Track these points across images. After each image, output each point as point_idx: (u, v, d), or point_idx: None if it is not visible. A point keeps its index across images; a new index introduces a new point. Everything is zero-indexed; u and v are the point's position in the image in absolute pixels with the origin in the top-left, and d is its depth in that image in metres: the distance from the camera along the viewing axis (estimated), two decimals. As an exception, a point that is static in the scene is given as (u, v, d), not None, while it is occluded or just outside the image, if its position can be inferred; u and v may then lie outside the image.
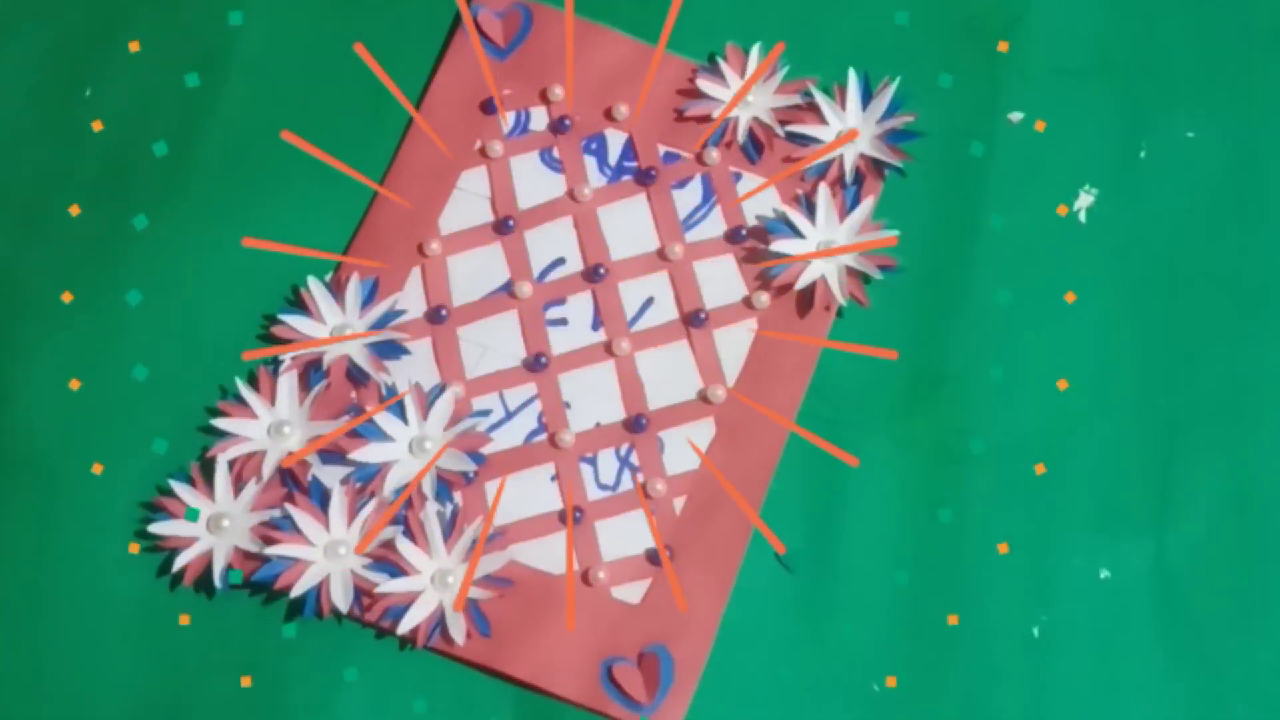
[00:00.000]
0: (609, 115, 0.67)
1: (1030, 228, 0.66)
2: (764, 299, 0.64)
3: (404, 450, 0.61)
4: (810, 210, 0.64)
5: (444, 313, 0.64)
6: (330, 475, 0.61)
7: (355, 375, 0.62)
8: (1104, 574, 0.61)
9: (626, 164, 0.66)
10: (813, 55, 0.67)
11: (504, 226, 0.65)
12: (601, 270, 0.64)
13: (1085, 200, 0.67)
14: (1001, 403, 0.64)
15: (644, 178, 0.66)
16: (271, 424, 0.61)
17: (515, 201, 0.66)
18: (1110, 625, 0.61)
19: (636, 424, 0.62)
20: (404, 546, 0.59)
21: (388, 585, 0.58)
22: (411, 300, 0.64)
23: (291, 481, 0.61)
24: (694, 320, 0.64)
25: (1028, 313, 0.65)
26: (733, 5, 0.69)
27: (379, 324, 0.63)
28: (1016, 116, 0.68)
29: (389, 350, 0.63)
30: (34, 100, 0.68)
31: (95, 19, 0.68)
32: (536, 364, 0.63)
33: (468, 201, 0.66)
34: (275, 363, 0.63)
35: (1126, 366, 0.64)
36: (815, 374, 0.63)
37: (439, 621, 0.59)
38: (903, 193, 0.66)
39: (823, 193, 0.64)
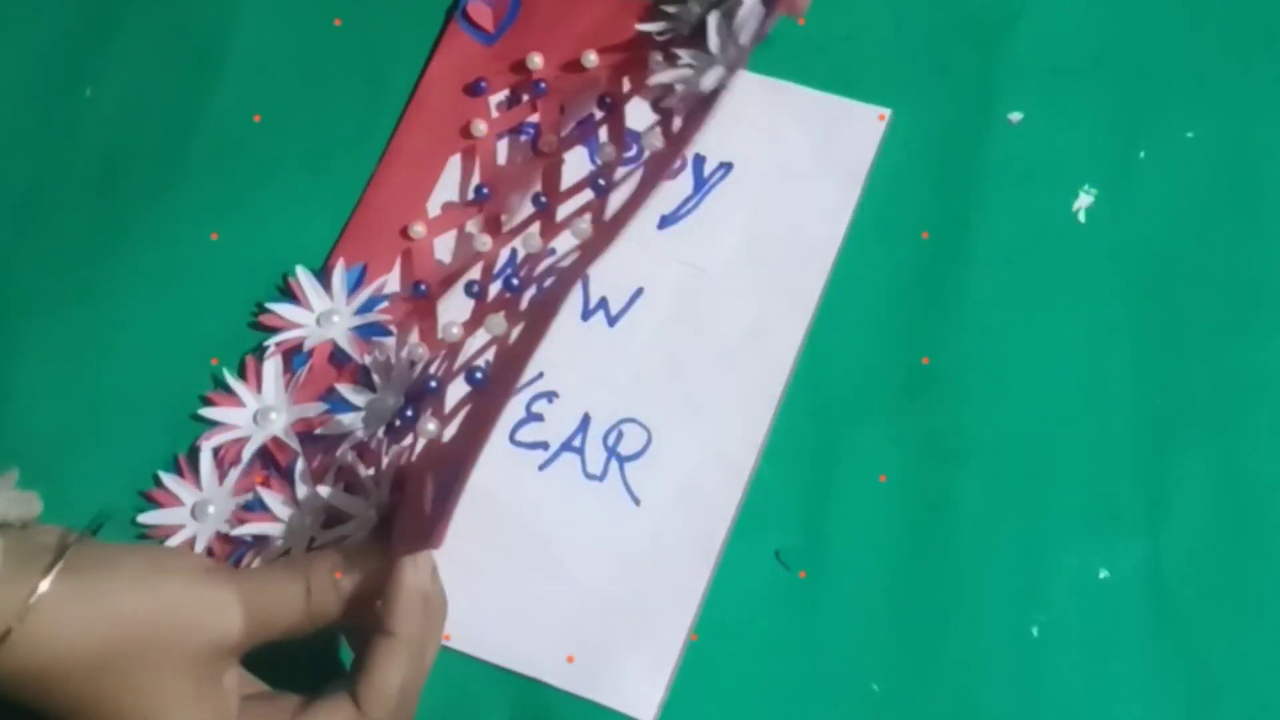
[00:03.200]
0: (578, 66, 0.66)
1: (1029, 227, 0.66)
2: None
3: (359, 419, 0.62)
4: None
5: (422, 288, 0.64)
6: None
7: (339, 358, 0.63)
8: (1102, 574, 0.61)
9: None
10: (809, 54, 0.68)
11: (478, 194, 0.65)
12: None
13: (1084, 200, 0.66)
14: (997, 401, 0.63)
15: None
16: (258, 410, 0.62)
17: (496, 173, 0.66)
18: (1104, 625, 0.60)
19: None
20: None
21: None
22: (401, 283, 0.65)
23: (272, 465, 0.61)
24: None
25: (1025, 312, 0.64)
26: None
27: (365, 308, 0.63)
28: (1016, 117, 0.68)
29: (372, 333, 0.63)
30: (33, 99, 0.68)
31: (94, 18, 0.69)
32: None
33: (455, 183, 0.66)
34: (263, 350, 0.63)
35: (1123, 366, 0.64)
36: (808, 369, 0.63)
37: None
38: (901, 191, 0.66)
39: None
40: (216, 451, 0.61)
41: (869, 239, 0.66)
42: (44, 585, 0.49)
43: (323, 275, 0.64)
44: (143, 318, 0.65)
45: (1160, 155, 0.67)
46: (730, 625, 0.60)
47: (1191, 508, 0.62)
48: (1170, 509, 0.62)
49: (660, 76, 0.65)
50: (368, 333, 0.63)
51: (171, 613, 0.51)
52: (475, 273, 0.64)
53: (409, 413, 0.60)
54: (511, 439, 0.62)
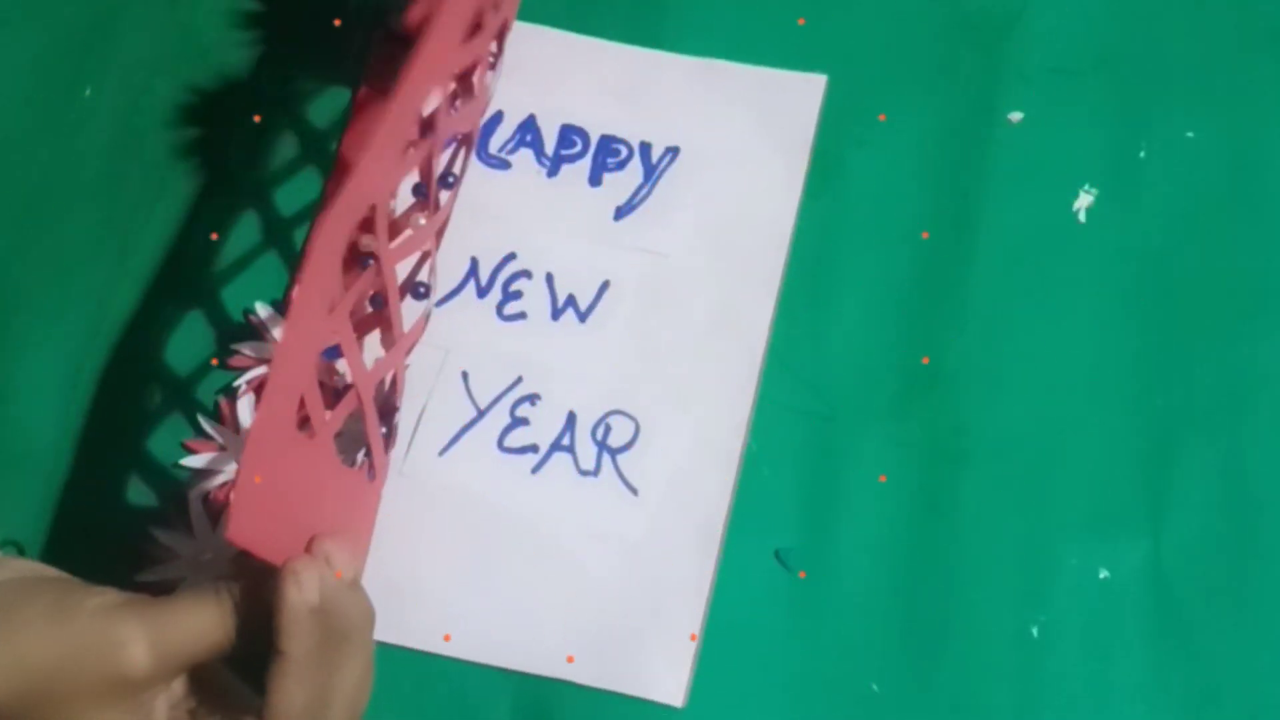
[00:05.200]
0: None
1: (1029, 227, 0.66)
2: None
3: None
4: None
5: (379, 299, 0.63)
6: None
7: None
8: (1103, 574, 0.61)
9: (564, 152, 0.67)
10: (810, 56, 0.68)
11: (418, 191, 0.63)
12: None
13: (1085, 200, 0.66)
14: (997, 401, 0.63)
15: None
16: (237, 451, 0.61)
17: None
18: (1105, 625, 0.60)
19: None
20: None
21: None
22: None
23: None
24: None
25: (1025, 312, 0.64)
26: (729, 6, 0.69)
27: None
28: (1016, 116, 0.68)
29: (335, 354, 0.62)
30: (33, 100, 0.68)
31: (94, 18, 0.69)
32: None
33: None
34: (233, 390, 0.62)
35: (1124, 366, 0.64)
36: (811, 371, 0.63)
37: None
38: (901, 191, 0.66)
39: None
40: (205, 499, 0.60)
41: (869, 238, 0.66)
42: None
43: (283, 306, 0.63)
44: (143, 317, 0.65)
45: (1160, 155, 0.67)
46: (731, 625, 0.60)
47: (1192, 508, 0.62)
48: (1171, 509, 0.62)
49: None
50: (332, 354, 0.62)
51: (74, 654, 0.51)
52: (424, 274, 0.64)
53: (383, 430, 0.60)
54: (500, 446, 0.62)
